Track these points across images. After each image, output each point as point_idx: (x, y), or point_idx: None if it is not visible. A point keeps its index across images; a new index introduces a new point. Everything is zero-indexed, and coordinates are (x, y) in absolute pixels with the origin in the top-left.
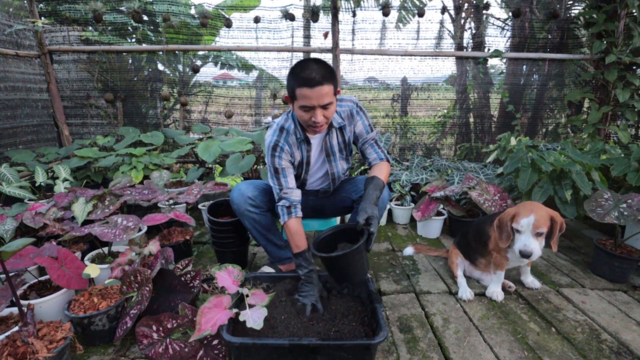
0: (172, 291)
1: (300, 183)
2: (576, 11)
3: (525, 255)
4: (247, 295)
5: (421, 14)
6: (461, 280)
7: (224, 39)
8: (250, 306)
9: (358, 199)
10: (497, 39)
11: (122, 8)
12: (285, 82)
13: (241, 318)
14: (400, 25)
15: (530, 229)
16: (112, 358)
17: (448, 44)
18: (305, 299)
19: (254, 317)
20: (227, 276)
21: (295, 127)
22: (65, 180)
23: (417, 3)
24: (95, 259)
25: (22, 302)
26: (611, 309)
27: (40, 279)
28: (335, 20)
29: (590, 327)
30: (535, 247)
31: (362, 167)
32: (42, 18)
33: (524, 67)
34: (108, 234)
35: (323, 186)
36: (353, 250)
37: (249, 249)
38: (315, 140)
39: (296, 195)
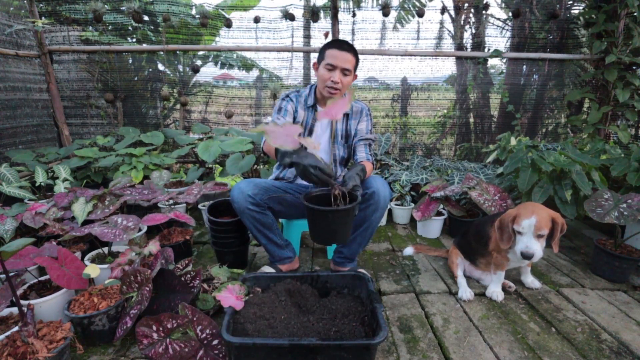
0: (172, 291)
1: None
2: (576, 11)
3: (526, 256)
4: None
5: (421, 14)
6: (461, 280)
7: (224, 39)
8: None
9: (364, 196)
10: (497, 39)
11: (122, 8)
12: (285, 82)
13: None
14: (399, 26)
15: (531, 231)
16: (112, 358)
17: (448, 44)
18: (304, 159)
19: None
20: (230, 295)
21: (309, 95)
22: (65, 180)
23: (417, 3)
24: (95, 259)
25: (22, 302)
26: (611, 309)
27: (40, 279)
28: (335, 21)
29: (590, 327)
30: (537, 248)
31: None
32: (42, 18)
33: (524, 67)
34: (108, 234)
35: None
36: (350, 207)
37: (249, 249)
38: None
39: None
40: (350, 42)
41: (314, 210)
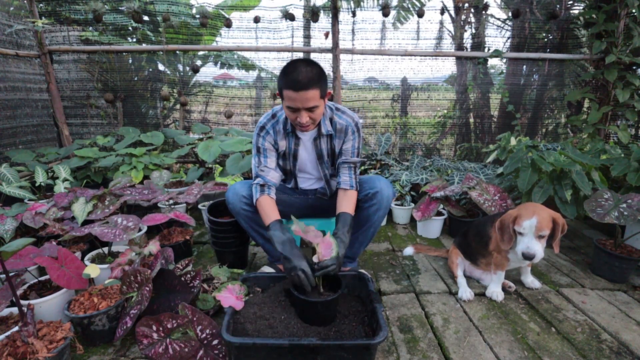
0: (172, 291)
1: (292, 178)
2: (576, 11)
3: (528, 257)
4: None
5: (421, 15)
6: (461, 280)
7: (224, 39)
8: None
9: (363, 197)
10: (497, 39)
11: (122, 8)
12: None
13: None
14: (398, 24)
15: (532, 231)
16: (112, 358)
17: (448, 44)
18: (298, 261)
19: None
20: (230, 294)
21: (286, 118)
22: (65, 180)
23: (416, 3)
24: (95, 259)
25: (22, 302)
26: (611, 309)
27: (40, 279)
28: (335, 21)
29: (590, 327)
30: (538, 249)
31: (362, 167)
32: (42, 18)
33: (524, 67)
34: (108, 234)
35: (320, 186)
36: (336, 297)
37: (249, 249)
38: (306, 137)
39: (272, 176)
40: (350, 42)
41: (296, 300)
